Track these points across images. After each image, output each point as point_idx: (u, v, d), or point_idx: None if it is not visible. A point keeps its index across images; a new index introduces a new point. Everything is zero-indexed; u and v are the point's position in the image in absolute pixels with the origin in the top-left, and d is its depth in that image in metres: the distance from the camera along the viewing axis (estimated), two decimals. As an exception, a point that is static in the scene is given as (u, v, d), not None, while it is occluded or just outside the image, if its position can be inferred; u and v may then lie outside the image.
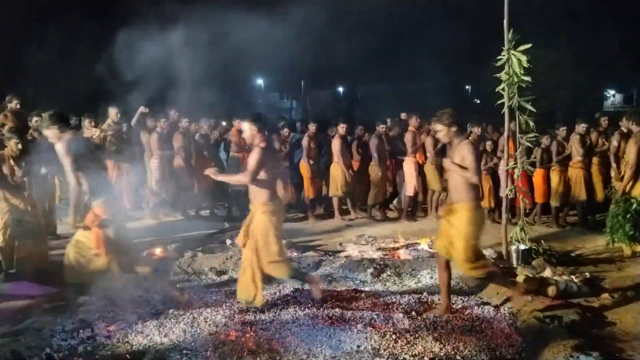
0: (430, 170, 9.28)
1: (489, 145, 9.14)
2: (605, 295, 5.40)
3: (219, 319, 4.70)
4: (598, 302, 5.26)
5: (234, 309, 5.02)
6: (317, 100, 41.93)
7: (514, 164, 6.79)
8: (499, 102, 6.62)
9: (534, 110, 6.43)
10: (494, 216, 9.13)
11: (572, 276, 5.94)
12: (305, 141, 9.44)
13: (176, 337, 4.40)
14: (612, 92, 38.40)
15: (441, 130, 4.90)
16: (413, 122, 9.59)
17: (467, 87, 39.92)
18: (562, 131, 8.96)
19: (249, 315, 4.86)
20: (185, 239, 7.72)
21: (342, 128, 9.35)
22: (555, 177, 8.83)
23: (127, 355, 4.11)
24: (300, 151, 9.73)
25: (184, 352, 4.14)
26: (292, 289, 5.68)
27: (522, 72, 6.24)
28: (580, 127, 8.84)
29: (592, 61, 25.93)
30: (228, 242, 7.37)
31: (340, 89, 46.09)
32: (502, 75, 6.38)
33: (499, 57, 6.38)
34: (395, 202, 10.22)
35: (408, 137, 9.45)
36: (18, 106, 8.11)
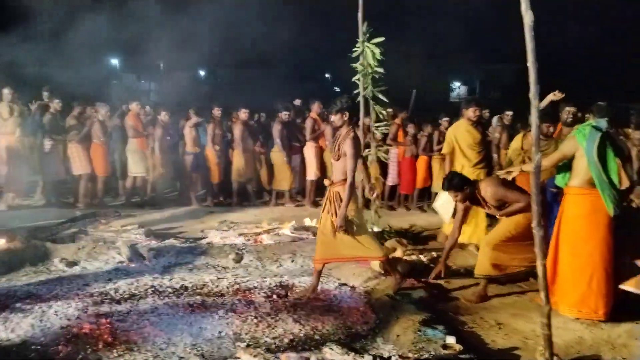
0: (330, 160, 9.34)
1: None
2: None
3: (71, 312, 4.44)
4: (443, 280, 5.73)
5: (87, 301, 4.77)
6: (175, 83, 40.55)
7: (369, 151, 7.12)
8: (355, 91, 6.90)
9: (386, 100, 6.80)
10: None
11: (421, 256, 6.44)
12: (210, 127, 9.33)
13: (24, 332, 4.10)
14: (457, 84, 41.69)
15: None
16: (315, 108, 9.67)
17: (327, 75, 41.02)
18: (444, 122, 9.41)
19: (104, 307, 4.65)
20: (33, 228, 7.16)
21: (244, 113, 9.28)
22: (436, 165, 9.40)
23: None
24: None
25: (33, 347, 3.87)
26: (150, 277, 5.52)
27: (376, 63, 6.56)
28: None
29: (440, 55, 27.95)
30: (80, 230, 6.95)
31: (202, 73, 45.01)
32: (357, 66, 6.67)
33: (354, 48, 6.65)
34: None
35: (308, 124, 9.49)
36: None
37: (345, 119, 4.96)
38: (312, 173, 9.55)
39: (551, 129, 6.45)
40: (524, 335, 4.30)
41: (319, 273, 5.20)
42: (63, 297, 4.87)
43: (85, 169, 8.90)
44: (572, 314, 4.60)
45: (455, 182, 5.18)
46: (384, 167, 9.51)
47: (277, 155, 9.46)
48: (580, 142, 4.64)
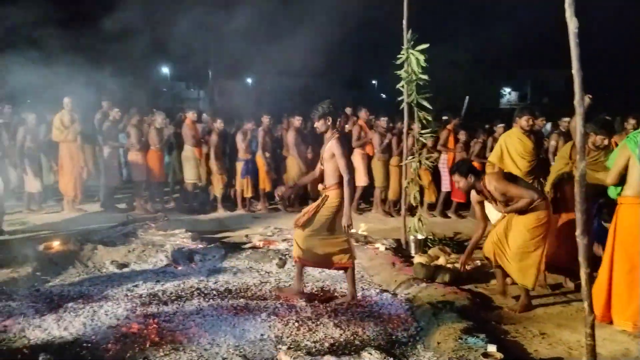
0: (377, 166, 9.39)
1: (429, 141, 9.27)
2: (494, 281, 5.82)
3: (121, 312, 4.62)
4: (487, 288, 5.68)
5: (135, 301, 4.95)
6: (224, 91, 41.31)
7: (412, 158, 7.11)
8: (399, 98, 6.92)
9: (431, 107, 6.78)
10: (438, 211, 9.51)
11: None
12: (260, 134, 9.48)
13: (76, 331, 4.28)
14: (507, 89, 40.91)
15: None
16: (362, 115, 9.68)
17: (373, 81, 41.00)
18: (500, 128, 9.20)
19: (152, 307, 4.81)
20: (86, 231, 7.46)
21: (297, 120, 9.39)
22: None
23: (25, 350, 3.95)
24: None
25: (84, 345, 4.05)
26: (196, 280, 5.68)
27: (420, 70, 6.56)
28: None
29: (488, 60, 27.53)
30: (131, 234, 7.18)
31: (249, 80, 45.72)
32: (402, 73, 6.68)
33: (399, 55, 6.67)
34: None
35: (355, 131, 9.50)
36: None
37: (329, 123, 5.02)
38: (359, 180, 9.54)
39: (606, 142, 6.25)
40: (569, 346, 4.22)
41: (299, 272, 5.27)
42: (113, 298, 5.07)
43: (143, 175, 9.21)
44: (627, 327, 4.46)
45: (462, 168, 5.17)
46: (438, 174, 9.49)
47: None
48: (632, 150, 4.51)
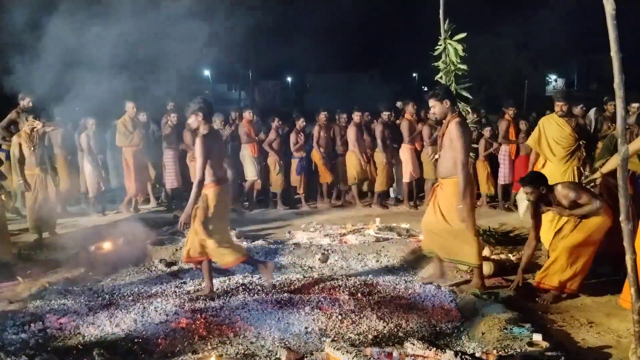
0: (427, 159, 9.25)
1: (487, 131, 9.14)
2: (539, 272, 5.73)
3: (169, 308, 4.77)
4: (532, 279, 5.58)
5: (184, 298, 5.10)
6: (265, 90, 41.74)
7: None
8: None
9: (470, 97, 6.69)
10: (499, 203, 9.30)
11: (510, 255, 6.29)
12: (315, 130, 9.60)
13: (127, 327, 4.45)
14: (553, 77, 39.77)
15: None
16: (410, 109, 9.57)
17: (414, 74, 40.56)
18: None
19: (199, 303, 4.95)
20: (135, 231, 7.69)
21: (357, 116, 9.43)
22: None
23: (79, 346, 4.13)
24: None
25: (135, 340, 4.20)
26: (241, 276, 5.79)
27: (459, 60, 6.49)
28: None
29: (533, 47, 26.81)
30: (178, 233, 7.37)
31: (289, 79, 46.04)
32: (440, 64, 6.62)
33: (437, 46, 6.62)
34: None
35: (404, 125, 9.46)
36: (30, 104, 7.84)
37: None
38: (408, 175, 9.48)
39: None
40: (618, 334, 4.13)
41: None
42: (162, 295, 5.24)
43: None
44: None
45: (534, 179, 5.06)
46: (495, 165, 9.27)
47: (379, 156, 9.42)
48: None
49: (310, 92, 42.56)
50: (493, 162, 9.34)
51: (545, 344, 3.77)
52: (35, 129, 7.12)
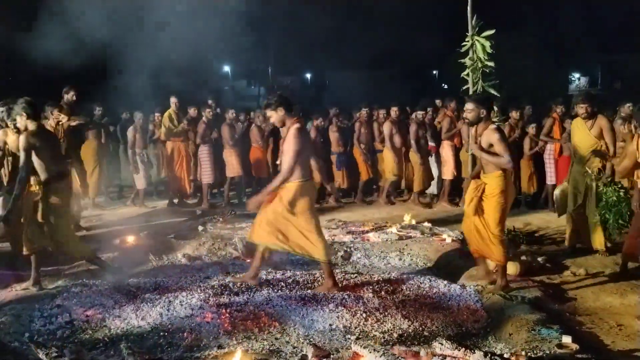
0: (466, 157, 8.91)
1: (532, 129, 8.93)
2: (567, 272, 5.67)
3: (195, 302, 4.78)
4: (560, 279, 5.53)
5: (208, 292, 5.11)
6: (284, 87, 41.79)
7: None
8: (464, 87, 6.80)
9: (498, 94, 6.62)
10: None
11: (536, 255, 6.21)
12: (356, 126, 9.66)
13: (153, 320, 4.46)
14: (577, 75, 39.20)
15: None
16: (452, 106, 9.50)
17: (434, 71, 40.29)
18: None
19: (224, 298, 4.95)
20: (159, 226, 7.76)
21: (394, 112, 9.38)
22: None
23: (106, 339, 4.17)
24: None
25: (162, 334, 4.22)
26: (264, 272, 5.79)
27: (486, 57, 6.42)
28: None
29: (556, 44, 26.45)
30: (200, 228, 7.41)
31: (308, 76, 46.02)
32: (467, 61, 6.56)
33: (463, 43, 6.55)
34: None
35: (445, 122, 9.41)
36: (74, 98, 7.93)
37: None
38: (449, 172, 9.34)
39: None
40: (649, 338, 4.05)
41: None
42: (187, 289, 5.24)
43: (237, 171, 9.45)
44: None
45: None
46: (541, 165, 9.05)
47: (413, 156, 9.35)
48: None
49: (329, 89, 42.53)
50: (537, 161, 9.06)
51: (575, 346, 3.72)
52: (60, 123, 7.19)
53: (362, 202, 9.72)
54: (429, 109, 9.62)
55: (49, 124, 7.22)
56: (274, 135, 9.75)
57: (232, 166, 9.43)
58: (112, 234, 7.18)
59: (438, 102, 10.60)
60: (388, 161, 9.40)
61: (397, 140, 9.34)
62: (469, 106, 5.07)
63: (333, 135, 9.62)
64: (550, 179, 8.81)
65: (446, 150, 9.37)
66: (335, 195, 9.22)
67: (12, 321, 4.34)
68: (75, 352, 3.66)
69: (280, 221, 5.07)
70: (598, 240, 6.14)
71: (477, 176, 5.25)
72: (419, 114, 9.30)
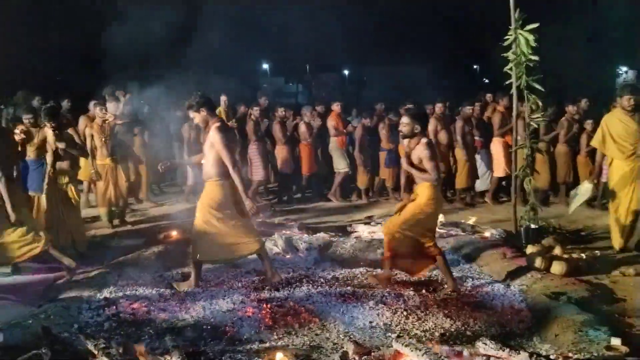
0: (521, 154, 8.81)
1: (589, 124, 8.65)
2: (616, 272, 5.49)
3: (236, 297, 4.83)
4: (608, 280, 5.36)
5: (249, 287, 5.16)
6: (322, 83, 41.79)
7: (522, 144, 6.82)
8: (507, 82, 6.66)
9: (542, 89, 6.46)
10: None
11: (582, 254, 6.04)
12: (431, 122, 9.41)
13: (196, 314, 4.53)
14: (624, 68, 37.95)
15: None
16: (504, 102, 9.16)
17: (475, 66, 39.66)
18: None
19: (265, 293, 4.99)
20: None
21: (438, 107, 9.23)
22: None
23: (151, 331, 4.25)
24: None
25: (204, 327, 4.28)
26: (304, 268, 5.81)
27: (530, 51, 6.26)
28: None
29: (602, 37, 25.66)
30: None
31: (346, 72, 45.91)
32: (510, 55, 6.41)
33: (506, 36, 6.41)
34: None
35: (496, 117, 9.21)
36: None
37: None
38: (499, 169, 9.12)
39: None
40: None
41: None
42: (228, 283, 5.32)
43: (289, 168, 9.52)
44: None
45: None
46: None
47: (459, 152, 9.15)
48: None
49: (368, 85, 42.33)
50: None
51: (624, 349, 3.60)
52: (106, 121, 7.37)
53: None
54: (476, 104, 9.41)
55: (96, 122, 7.43)
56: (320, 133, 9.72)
57: (284, 163, 9.46)
58: (156, 229, 7.31)
59: (489, 96, 10.32)
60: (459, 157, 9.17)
61: (443, 136, 9.14)
62: (404, 120, 5.08)
63: (383, 132, 9.44)
64: (606, 175, 8.44)
65: (496, 146, 9.14)
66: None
67: (61, 312, 4.45)
68: (122, 344, 3.73)
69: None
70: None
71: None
72: (467, 109, 9.12)
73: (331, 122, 9.42)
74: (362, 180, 9.59)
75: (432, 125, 9.06)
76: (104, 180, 7.38)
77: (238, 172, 5.02)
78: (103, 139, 7.34)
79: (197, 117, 5.12)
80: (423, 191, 5.05)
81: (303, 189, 9.88)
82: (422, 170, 5.01)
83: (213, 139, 4.98)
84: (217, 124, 5.05)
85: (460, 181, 9.22)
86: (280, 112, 9.58)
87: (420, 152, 4.99)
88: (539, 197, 8.88)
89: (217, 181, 5.07)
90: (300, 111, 10.19)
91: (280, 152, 9.46)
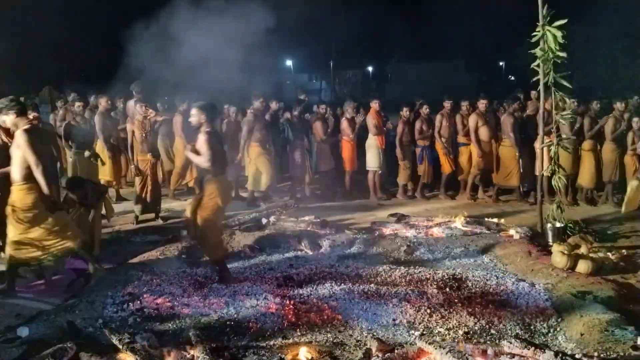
0: (562, 152, 7.72)
1: (636, 122, 8.38)
2: (644, 271, 5.40)
3: (259, 293, 4.86)
4: (635, 279, 5.27)
5: (272, 284, 5.19)
6: (346, 80, 41.75)
7: (550, 142, 6.74)
8: (534, 78, 6.58)
9: (570, 86, 6.37)
10: None
11: (609, 253, 5.95)
12: (437, 119, 9.34)
13: (220, 309, 4.57)
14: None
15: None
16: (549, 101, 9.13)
17: (500, 63, 39.17)
18: None
19: (287, 289, 5.01)
20: (226, 217, 7.90)
21: (482, 104, 9.09)
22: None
23: (174, 326, 4.30)
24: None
25: (228, 323, 4.31)
26: (327, 265, 5.82)
27: (558, 47, 6.18)
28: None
29: (631, 34, 25.11)
30: (264, 221, 7.51)
31: (370, 69, 45.79)
32: (537, 52, 6.33)
33: (534, 33, 6.33)
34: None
35: (540, 116, 9.09)
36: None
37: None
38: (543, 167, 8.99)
39: None
40: None
41: None
42: (252, 280, 5.35)
43: (330, 165, 9.50)
44: None
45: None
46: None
47: (508, 150, 8.92)
48: None
49: (391, 82, 42.18)
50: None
51: (652, 349, 3.54)
52: (147, 117, 7.48)
53: (422, 197, 9.52)
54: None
55: (137, 118, 7.53)
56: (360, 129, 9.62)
57: (325, 160, 9.45)
58: (180, 225, 7.37)
59: (533, 93, 10.01)
60: (473, 155, 9.13)
61: (484, 133, 9.00)
62: (193, 111, 5.24)
63: (418, 127, 9.34)
64: None
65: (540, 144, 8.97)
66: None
67: (86, 307, 4.53)
68: (147, 339, 3.78)
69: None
70: None
71: None
72: (514, 105, 8.96)
73: (372, 120, 9.24)
74: (403, 176, 9.52)
75: (472, 121, 8.97)
76: (144, 175, 7.50)
77: (41, 173, 4.83)
78: (143, 135, 7.45)
79: (7, 120, 4.96)
80: (208, 186, 5.16)
81: (342, 187, 9.74)
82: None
83: (22, 142, 4.82)
84: (27, 127, 4.89)
85: (512, 180, 8.99)
86: (321, 109, 9.53)
87: (199, 140, 5.14)
88: (583, 196, 8.76)
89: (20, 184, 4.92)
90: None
91: (321, 149, 9.41)
